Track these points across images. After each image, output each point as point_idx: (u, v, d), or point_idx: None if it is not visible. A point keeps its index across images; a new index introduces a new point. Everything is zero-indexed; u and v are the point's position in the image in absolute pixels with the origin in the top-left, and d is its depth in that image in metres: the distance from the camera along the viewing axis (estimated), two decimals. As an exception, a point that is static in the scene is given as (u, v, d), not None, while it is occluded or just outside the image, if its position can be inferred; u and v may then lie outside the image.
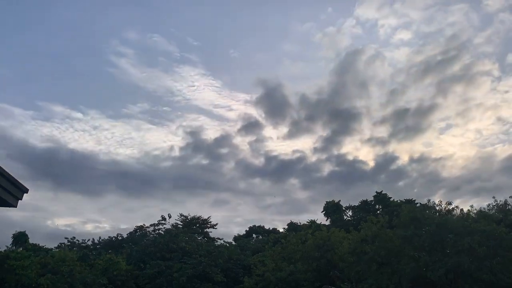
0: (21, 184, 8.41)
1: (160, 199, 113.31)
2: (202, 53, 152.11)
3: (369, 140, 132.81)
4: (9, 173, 7.96)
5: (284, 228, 75.18)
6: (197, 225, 70.03)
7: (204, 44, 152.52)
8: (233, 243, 67.55)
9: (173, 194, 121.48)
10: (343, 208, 72.67)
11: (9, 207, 8.65)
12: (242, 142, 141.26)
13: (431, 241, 30.66)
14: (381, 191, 68.39)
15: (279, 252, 44.76)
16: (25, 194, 8.77)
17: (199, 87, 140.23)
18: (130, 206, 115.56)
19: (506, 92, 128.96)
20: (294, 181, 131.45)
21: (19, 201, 8.68)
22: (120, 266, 45.90)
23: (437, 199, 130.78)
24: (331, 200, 72.65)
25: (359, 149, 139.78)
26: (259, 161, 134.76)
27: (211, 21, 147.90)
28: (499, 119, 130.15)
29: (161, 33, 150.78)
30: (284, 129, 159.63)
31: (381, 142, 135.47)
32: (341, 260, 36.46)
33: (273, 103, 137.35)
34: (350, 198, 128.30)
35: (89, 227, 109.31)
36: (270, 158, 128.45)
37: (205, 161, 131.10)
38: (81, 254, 49.68)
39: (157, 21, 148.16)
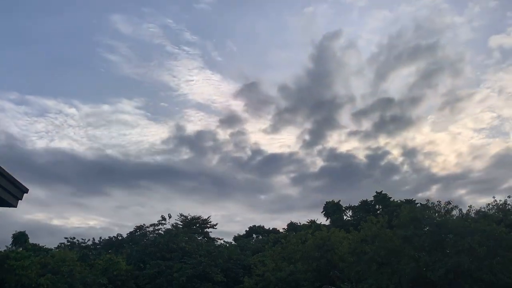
0: (21, 184, 8.42)
1: (144, 195, 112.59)
2: (198, 45, 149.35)
3: (356, 133, 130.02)
4: (9, 173, 7.97)
5: (284, 228, 75.35)
6: (197, 225, 70.08)
7: (200, 37, 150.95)
8: (233, 243, 67.61)
9: (157, 189, 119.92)
10: (343, 208, 72.79)
11: (9, 207, 8.67)
12: (225, 135, 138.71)
13: (431, 241, 30.68)
14: (381, 191, 68.48)
15: (279, 252, 44.77)
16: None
17: (197, 82, 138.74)
18: (111, 204, 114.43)
19: (492, 80, 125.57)
20: (282, 177, 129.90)
21: (19, 201, 8.69)
22: (120, 266, 45.91)
23: (431, 194, 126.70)
24: (317, 196, 72.73)
25: (346, 142, 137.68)
26: (245, 156, 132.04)
27: (204, 11, 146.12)
28: (490, 110, 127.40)
29: (157, 23, 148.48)
30: (268, 123, 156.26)
31: (369, 135, 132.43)
32: (341, 260, 36.48)
33: (256, 95, 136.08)
34: (340, 193, 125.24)
35: (56, 222, 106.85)
36: (255, 153, 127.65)
37: (193, 156, 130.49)
38: (81, 254, 49.74)
39: (151, 11, 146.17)
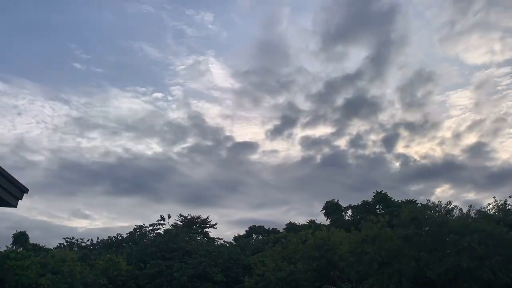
0: (21, 184, 8.41)
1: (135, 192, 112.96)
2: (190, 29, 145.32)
3: (324, 117, 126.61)
4: (9, 173, 7.96)
5: (283, 229, 75.39)
6: (197, 225, 70.11)
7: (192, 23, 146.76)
8: (233, 243, 67.63)
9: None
10: (343, 208, 72.76)
11: (9, 207, 8.66)
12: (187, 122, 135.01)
13: (431, 241, 30.70)
14: (381, 191, 68.41)
15: (279, 252, 44.77)
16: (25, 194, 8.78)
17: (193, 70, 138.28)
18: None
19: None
20: (255, 166, 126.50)
21: (19, 201, 8.69)
22: (120, 266, 45.87)
23: (416, 187, 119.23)
24: (302, 191, 72.13)
25: (314, 128, 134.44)
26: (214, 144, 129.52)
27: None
28: (466, 89, 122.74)
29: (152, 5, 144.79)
30: (228, 109, 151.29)
31: (339, 120, 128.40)
32: (342, 260, 36.44)
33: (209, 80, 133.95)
34: (322, 184, 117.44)
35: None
36: (223, 141, 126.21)
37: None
38: (81, 254, 49.70)
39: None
